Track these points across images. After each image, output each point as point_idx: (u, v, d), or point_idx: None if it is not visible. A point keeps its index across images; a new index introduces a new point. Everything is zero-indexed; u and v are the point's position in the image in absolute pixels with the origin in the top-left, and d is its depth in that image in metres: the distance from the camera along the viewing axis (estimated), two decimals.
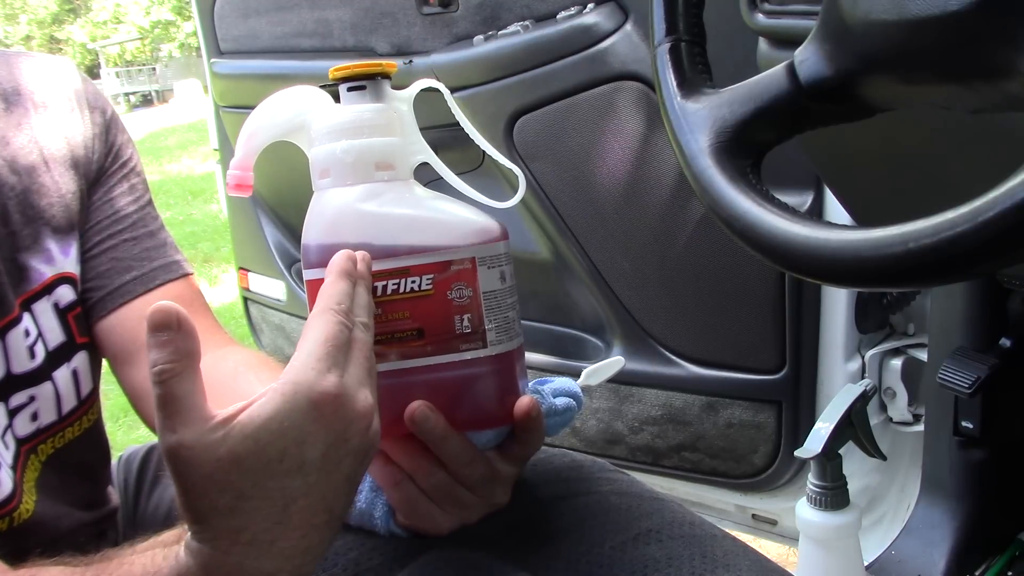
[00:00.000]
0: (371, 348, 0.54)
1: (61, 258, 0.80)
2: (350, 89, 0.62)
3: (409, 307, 0.58)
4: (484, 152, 0.69)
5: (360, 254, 0.57)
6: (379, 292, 0.58)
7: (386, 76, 0.62)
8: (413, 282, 0.58)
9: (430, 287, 0.58)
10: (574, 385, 0.68)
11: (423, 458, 0.60)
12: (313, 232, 0.60)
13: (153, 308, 0.47)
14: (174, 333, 0.47)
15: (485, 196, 0.66)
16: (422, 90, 0.65)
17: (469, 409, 0.60)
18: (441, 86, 0.66)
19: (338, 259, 0.55)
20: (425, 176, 0.64)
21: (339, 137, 0.60)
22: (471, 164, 1.42)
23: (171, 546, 0.51)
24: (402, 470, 0.61)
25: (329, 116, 0.62)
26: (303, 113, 0.63)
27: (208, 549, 0.48)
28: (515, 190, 0.66)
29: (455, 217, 0.61)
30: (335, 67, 0.62)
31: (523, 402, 0.60)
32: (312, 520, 0.49)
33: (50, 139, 0.81)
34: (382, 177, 0.61)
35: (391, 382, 0.58)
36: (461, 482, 0.60)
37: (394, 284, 0.58)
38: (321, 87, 0.64)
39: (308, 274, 0.60)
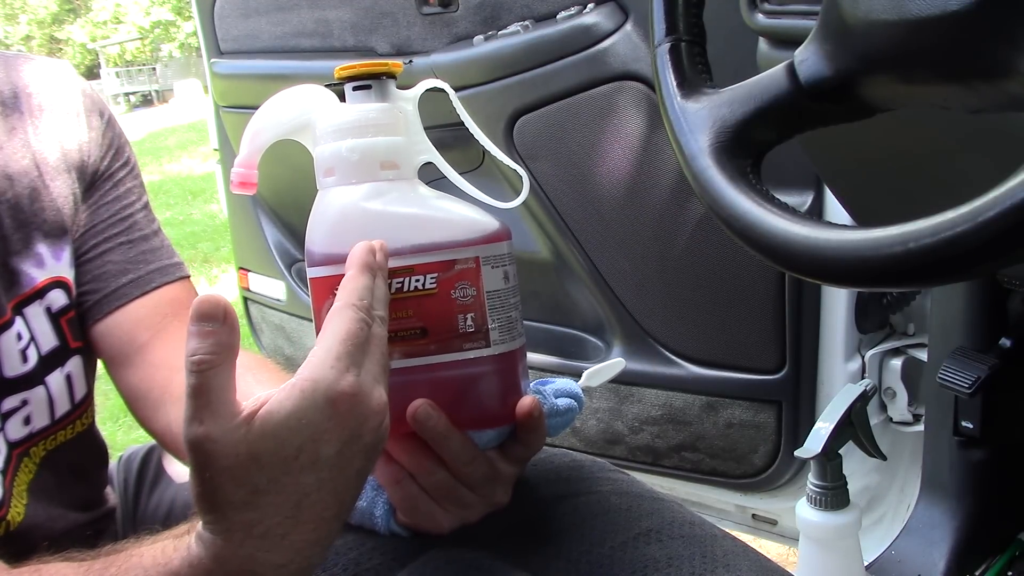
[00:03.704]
0: (386, 343, 0.54)
1: (53, 263, 0.80)
2: (356, 88, 0.62)
3: (413, 306, 0.59)
4: (485, 152, 0.69)
5: (378, 243, 0.57)
6: None
7: (392, 76, 0.63)
8: (417, 281, 0.58)
9: (434, 286, 0.59)
10: (575, 386, 0.68)
11: (424, 456, 0.60)
12: (317, 230, 0.61)
13: (201, 298, 0.47)
14: (219, 325, 0.47)
15: (486, 196, 0.66)
16: (425, 90, 0.65)
17: (471, 408, 0.60)
18: (446, 86, 0.66)
19: (359, 252, 0.55)
20: (427, 176, 0.64)
21: (344, 136, 0.61)
22: (472, 164, 1.42)
23: (182, 537, 0.51)
24: (403, 468, 0.61)
25: (334, 115, 0.62)
26: (308, 112, 0.63)
27: (220, 541, 0.48)
28: (516, 190, 0.66)
29: (459, 216, 0.61)
30: (341, 66, 0.62)
31: (525, 402, 0.60)
32: (323, 514, 0.50)
33: (45, 143, 0.81)
34: (387, 176, 0.61)
35: (394, 380, 0.58)
36: (462, 481, 0.60)
37: (398, 283, 0.58)
38: (326, 86, 0.64)
39: (312, 272, 0.60)
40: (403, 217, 0.60)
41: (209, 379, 0.47)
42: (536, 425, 0.61)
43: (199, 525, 0.49)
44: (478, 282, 0.59)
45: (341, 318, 0.52)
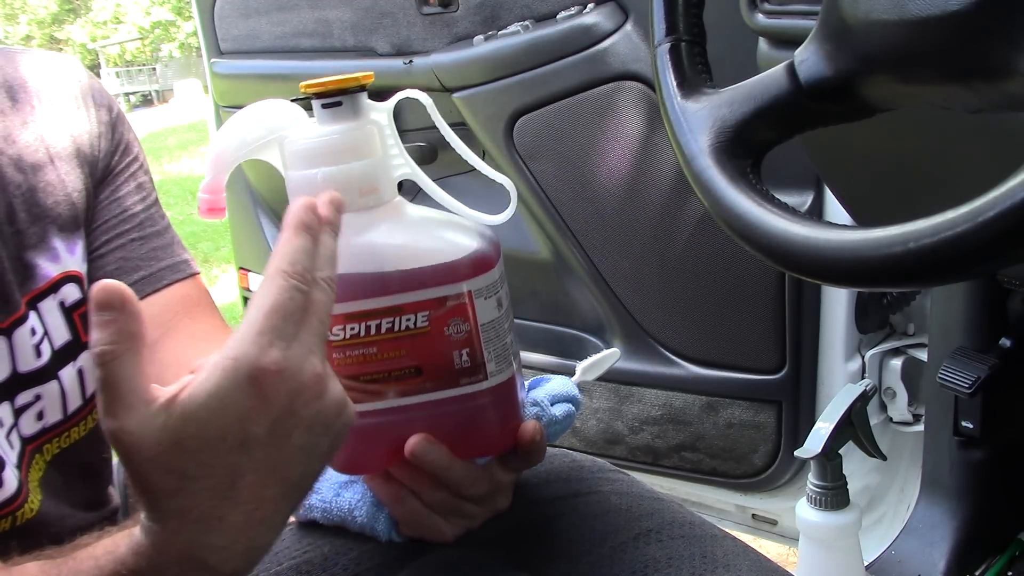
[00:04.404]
0: (331, 308, 0.50)
1: (67, 256, 0.80)
2: (325, 106, 0.58)
3: (406, 345, 0.57)
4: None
5: (326, 196, 0.53)
6: (373, 331, 0.57)
7: (363, 89, 0.58)
8: (408, 320, 0.56)
9: (426, 324, 0.56)
10: (572, 387, 0.67)
11: (426, 477, 0.60)
12: None
13: (97, 286, 0.45)
14: (117, 313, 0.45)
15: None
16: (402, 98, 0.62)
17: (471, 440, 0.59)
18: (423, 96, 0.62)
19: (296, 211, 0.51)
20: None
21: (317, 163, 0.57)
22: (470, 164, 1.42)
23: (132, 526, 0.50)
24: (405, 487, 0.61)
25: (304, 139, 0.58)
26: (276, 130, 0.59)
27: (158, 528, 0.47)
28: (516, 190, 0.66)
29: (449, 246, 0.58)
30: (306, 83, 0.58)
31: (526, 429, 0.60)
32: (263, 493, 0.47)
33: (56, 136, 0.81)
34: (367, 204, 0.57)
35: (390, 418, 0.57)
36: (464, 498, 0.61)
37: (388, 323, 0.56)
38: (293, 100, 0.61)
39: None
40: (389, 251, 0.57)
41: (114, 370, 0.45)
42: (537, 448, 0.61)
43: (142, 513, 0.48)
44: (471, 316, 0.57)
45: (268, 288, 0.48)
